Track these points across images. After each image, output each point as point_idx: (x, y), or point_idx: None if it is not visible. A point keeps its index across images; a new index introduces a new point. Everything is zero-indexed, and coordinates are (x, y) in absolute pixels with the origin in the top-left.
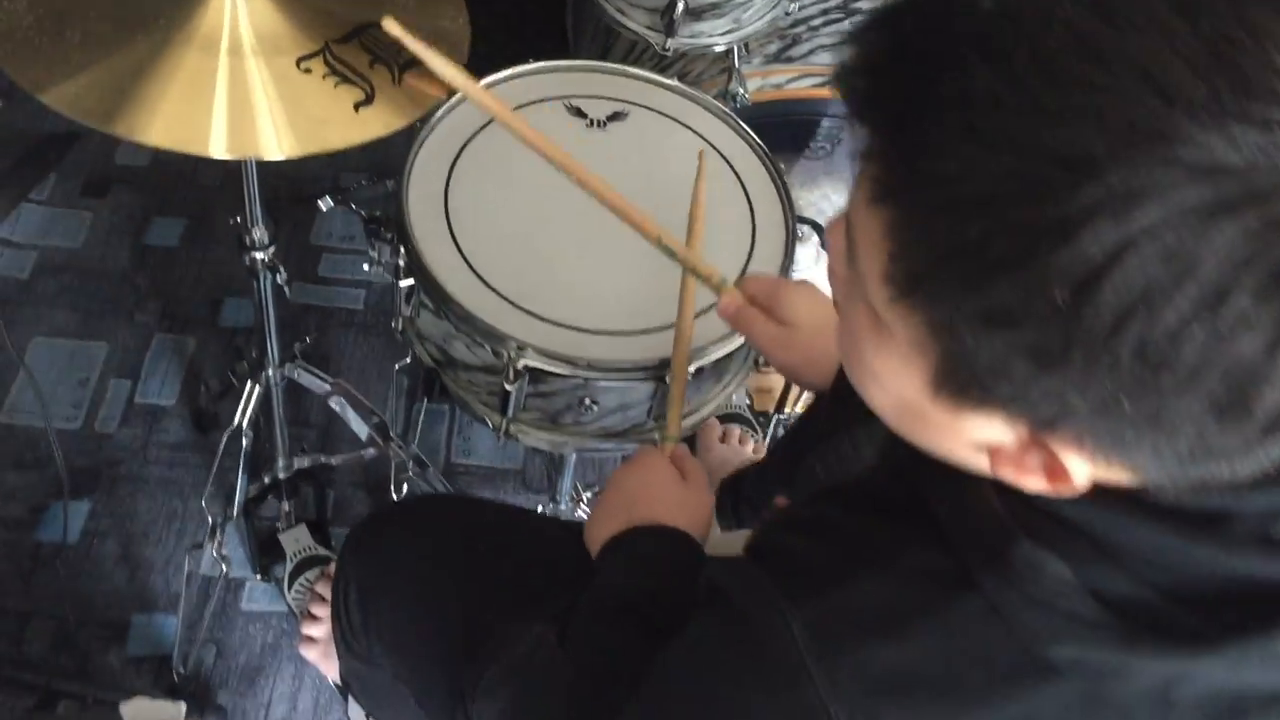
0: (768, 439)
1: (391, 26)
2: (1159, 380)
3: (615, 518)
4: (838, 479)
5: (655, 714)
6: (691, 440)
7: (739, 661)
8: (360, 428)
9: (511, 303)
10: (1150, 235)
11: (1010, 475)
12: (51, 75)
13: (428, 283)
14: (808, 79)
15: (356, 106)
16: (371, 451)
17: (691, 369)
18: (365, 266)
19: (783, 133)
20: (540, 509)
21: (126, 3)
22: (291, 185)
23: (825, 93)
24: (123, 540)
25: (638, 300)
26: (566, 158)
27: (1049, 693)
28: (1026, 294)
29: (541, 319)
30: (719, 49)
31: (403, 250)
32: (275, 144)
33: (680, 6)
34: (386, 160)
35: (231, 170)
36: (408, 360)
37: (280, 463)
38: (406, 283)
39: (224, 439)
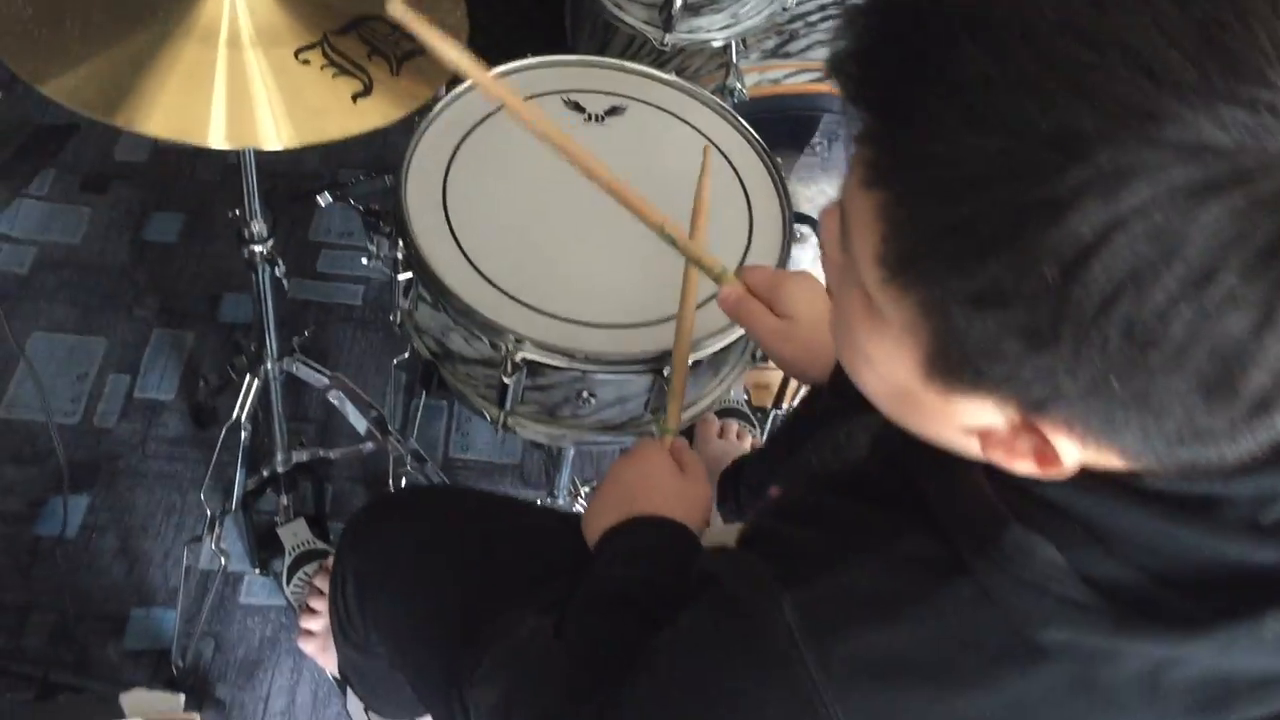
0: (765, 434)
1: (396, 9)
2: (1147, 359)
3: (613, 509)
4: (832, 469)
5: (649, 698)
6: (689, 435)
7: (731, 644)
8: (359, 422)
9: (509, 296)
10: (1139, 215)
11: (1001, 459)
12: (51, 66)
13: (426, 276)
14: (805, 74)
15: (354, 98)
16: (370, 446)
17: (689, 361)
18: (364, 260)
19: (780, 128)
20: (538, 504)
21: None
22: (290, 182)
23: (822, 88)
24: (121, 534)
25: (636, 294)
26: (569, 140)
27: (1039, 676)
28: (1017, 273)
29: (539, 312)
30: (717, 44)
31: (401, 243)
32: (274, 134)
33: (678, 2)
34: (385, 156)
35: (230, 166)
36: (406, 355)
37: (279, 457)
38: (405, 276)
39: (223, 433)
